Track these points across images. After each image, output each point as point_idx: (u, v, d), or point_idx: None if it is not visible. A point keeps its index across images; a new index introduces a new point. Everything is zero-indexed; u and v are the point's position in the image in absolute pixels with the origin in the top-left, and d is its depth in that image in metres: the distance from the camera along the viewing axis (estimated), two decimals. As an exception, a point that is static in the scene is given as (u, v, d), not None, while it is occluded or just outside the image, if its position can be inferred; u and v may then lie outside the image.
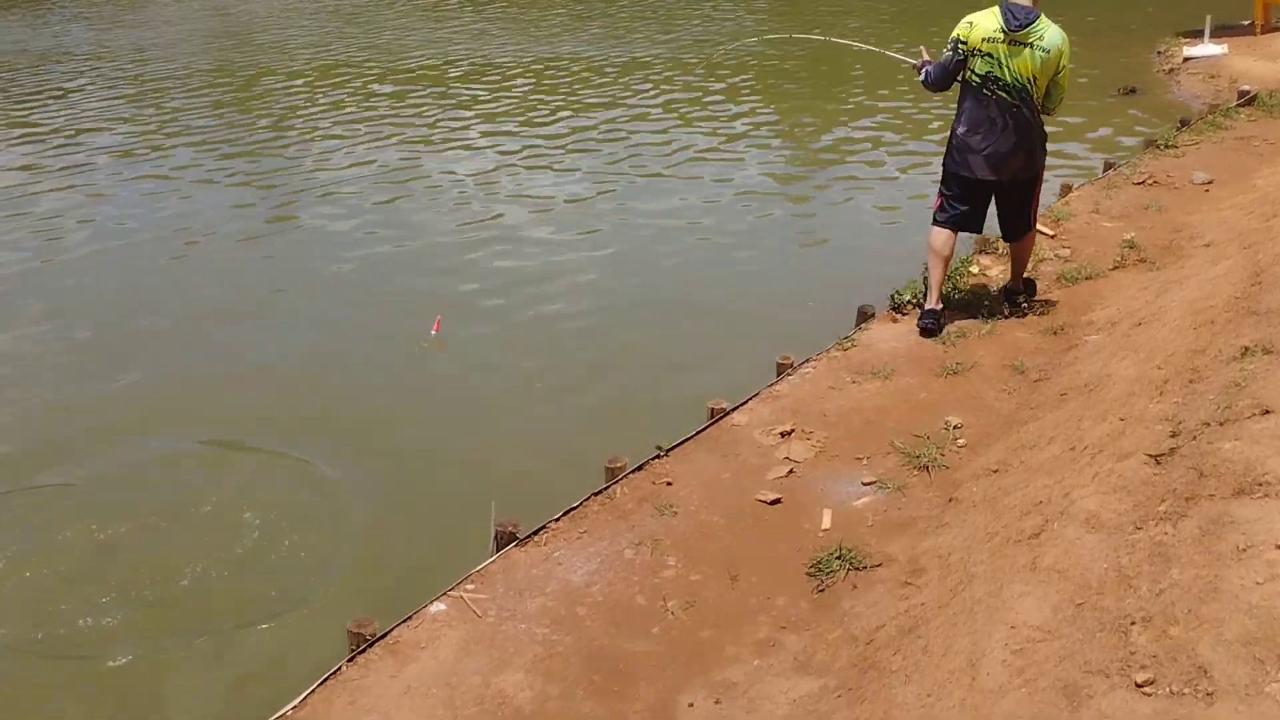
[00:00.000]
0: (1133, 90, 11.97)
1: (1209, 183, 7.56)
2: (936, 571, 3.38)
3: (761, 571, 3.73)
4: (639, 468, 4.36)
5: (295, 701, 3.16)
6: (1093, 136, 10.29)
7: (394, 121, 12.15)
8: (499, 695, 3.18)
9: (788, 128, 11.57)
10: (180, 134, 11.87)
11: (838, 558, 3.71)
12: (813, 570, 3.69)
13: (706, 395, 4.90)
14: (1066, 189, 7.60)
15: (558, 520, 4.01)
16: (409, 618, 3.47)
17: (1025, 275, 5.95)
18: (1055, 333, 5.47)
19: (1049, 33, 5.24)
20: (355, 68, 15.22)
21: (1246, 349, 3.58)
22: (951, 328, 5.62)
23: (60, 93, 14.27)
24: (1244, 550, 2.43)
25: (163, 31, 19.53)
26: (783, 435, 4.63)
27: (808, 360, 5.31)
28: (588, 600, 3.60)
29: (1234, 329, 3.93)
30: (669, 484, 4.27)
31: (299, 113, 12.78)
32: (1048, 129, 5.59)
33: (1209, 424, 3.08)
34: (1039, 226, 6.73)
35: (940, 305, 5.65)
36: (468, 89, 13.71)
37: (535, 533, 3.92)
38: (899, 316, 5.81)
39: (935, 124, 11.01)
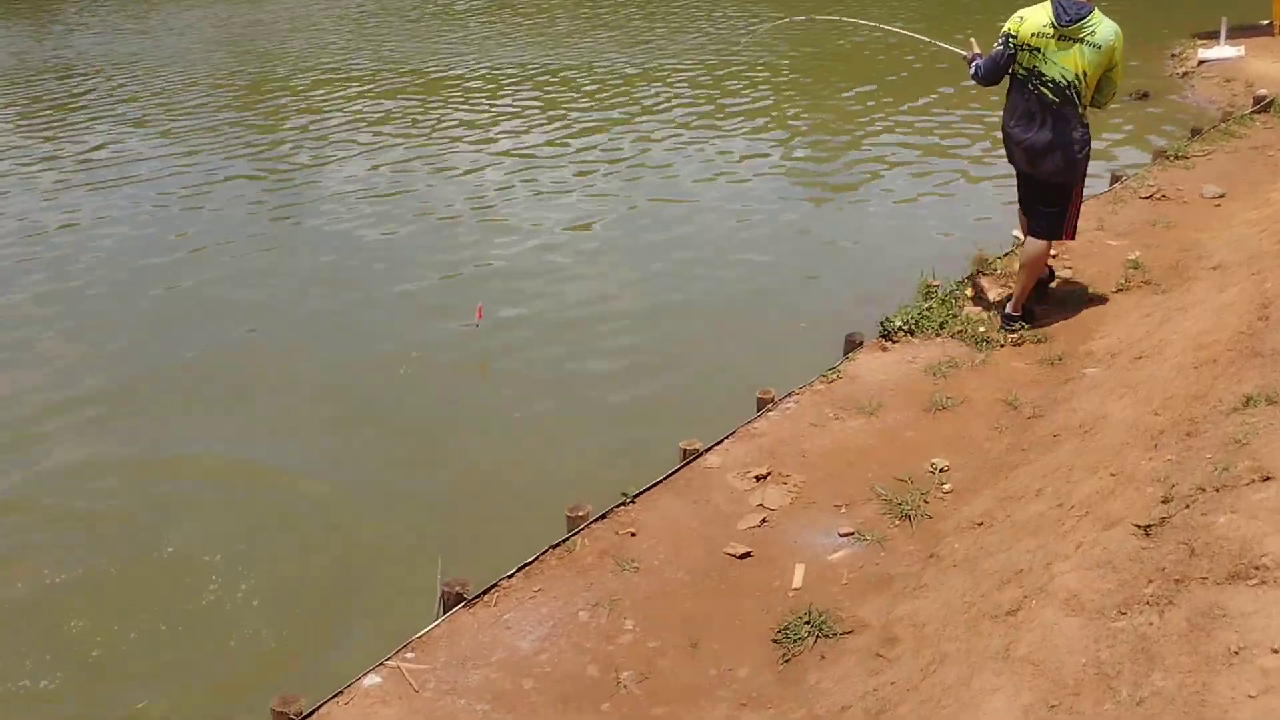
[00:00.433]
0: (1145, 95, 11.62)
1: (1220, 196, 7.24)
2: (910, 644, 3.11)
3: (725, 637, 3.47)
4: (602, 516, 4.11)
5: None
6: (1100, 146, 9.90)
7: (405, 127, 11.98)
8: (430, 784, 2.94)
9: (808, 128, 11.33)
10: (196, 140, 11.79)
11: (807, 623, 3.45)
12: (780, 636, 3.43)
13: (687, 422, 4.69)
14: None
15: (511, 576, 3.76)
16: (339, 693, 3.23)
17: (1026, 305, 5.64)
18: (1053, 363, 5.19)
19: (1101, 28, 5.15)
20: (366, 75, 15.03)
21: (1249, 398, 3.29)
22: (943, 357, 5.34)
23: (71, 100, 14.16)
24: (1236, 653, 2.16)
25: (164, 41, 19.40)
26: (758, 479, 4.36)
27: (789, 394, 5.05)
28: (535, 671, 3.35)
29: (1237, 372, 3.64)
30: (633, 535, 4.01)
31: (310, 120, 12.60)
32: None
33: (1204, 489, 2.80)
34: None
35: (1025, 310, 5.61)
36: (480, 94, 13.48)
37: (486, 591, 3.68)
38: (889, 345, 5.53)
39: (955, 132, 10.74)
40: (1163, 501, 2.87)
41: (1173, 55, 13.33)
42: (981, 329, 5.62)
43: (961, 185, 9.20)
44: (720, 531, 4.03)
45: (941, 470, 4.35)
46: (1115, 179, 7.78)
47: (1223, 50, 12.58)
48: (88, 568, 4.61)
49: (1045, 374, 5.10)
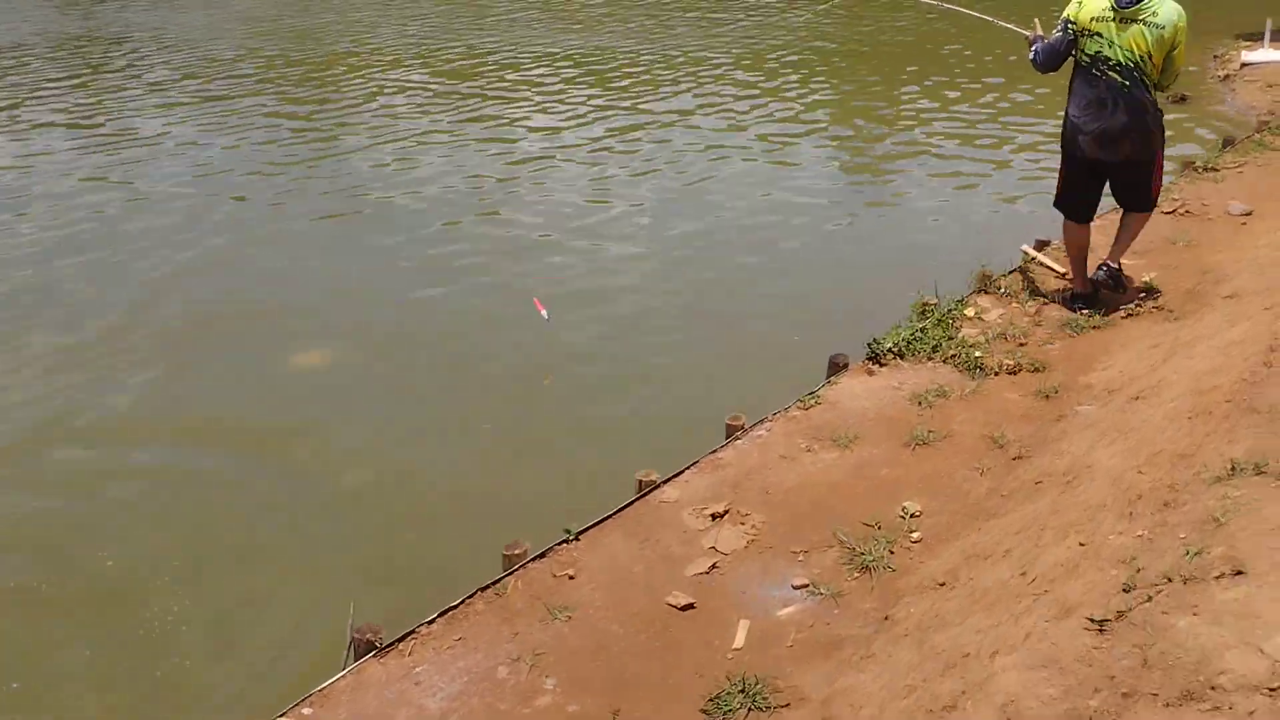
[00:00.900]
0: (1182, 99, 11.12)
1: (1247, 214, 6.83)
2: (843, 727, 2.82)
3: (651, 703, 3.19)
4: (541, 555, 3.84)
5: None
6: None
7: (445, 113, 11.74)
8: None
9: (840, 125, 10.96)
10: (241, 119, 11.67)
11: (741, 691, 3.16)
12: (710, 707, 3.14)
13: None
14: (1088, 217, 6.89)
15: (431, 622, 3.50)
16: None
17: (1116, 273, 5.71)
18: (1048, 396, 4.85)
19: (1163, 8, 5.15)
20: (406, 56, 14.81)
21: (1235, 465, 2.96)
22: (932, 384, 5.02)
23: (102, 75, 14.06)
24: (1175, 800, 1.85)
25: (196, 17, 19.28)
26: (714, 517, 4.07)
27: (761, 421, 4.74)
28: (440, 734, 3.09)
29: (1230, 429, 3.30)
30: (571, 577, 3.74)
31: (350, 103, 12.40)
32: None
33: (1171, 579, 2.48)
34: (1049, 262, 6.12)
35: (1088, 287, 5.69)
36: (506, 83, 13.21)
37: (401, 639, 3.42)
38: (875, 369, 5.21)
39: (993, 122, 10.34)
40: (1124, 590, 2.55)
41: (1215, 57, 12.81)
42: (977, 354, 5.28)
43: (986, 193, 8.82)
44: (666, 577, 3.75)
45: (913, 515, 4.04)
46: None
47: (1267, 53, 12.08)
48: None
49: (1038, 408, 4.76)
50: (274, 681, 3.74)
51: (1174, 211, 6.93)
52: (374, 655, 3.34)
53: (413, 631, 3.45)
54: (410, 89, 12.97)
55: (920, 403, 4.86)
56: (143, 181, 9.65)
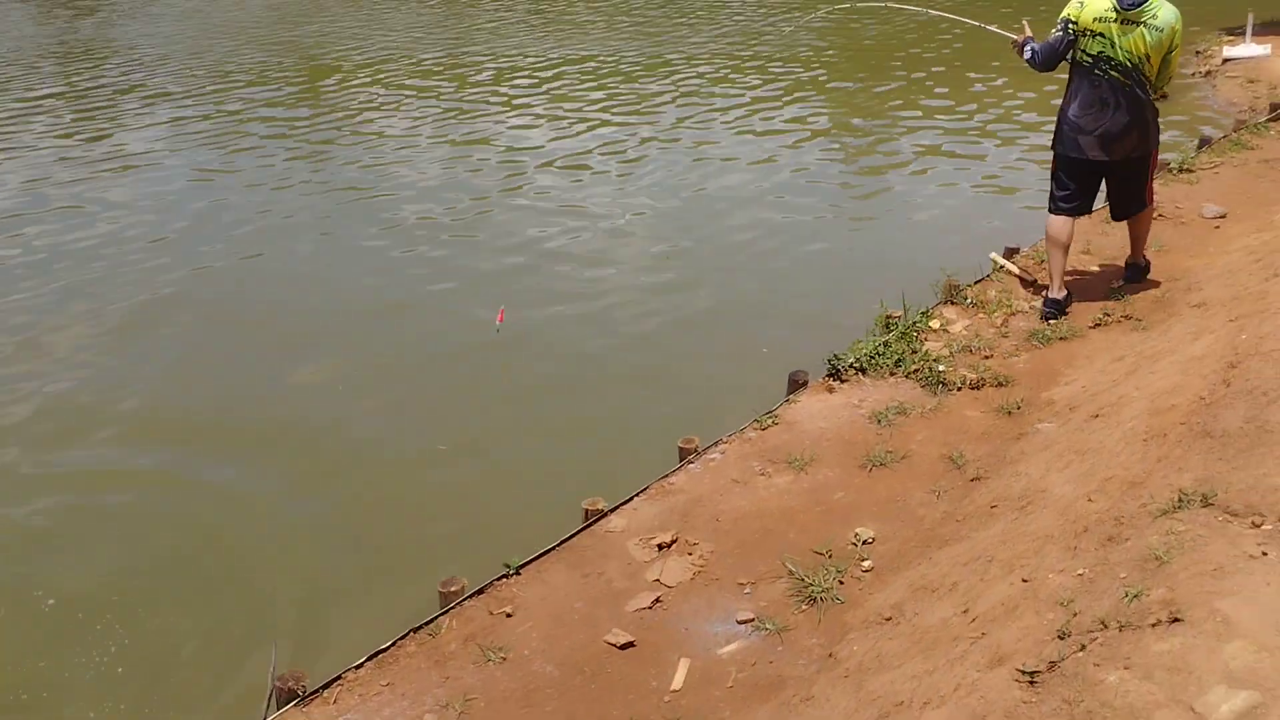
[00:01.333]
0: (1163, 96, 10.93)
1: (1221, 217, 6.70)
2: (775, 779, 2.69)
3: (581, 751, 3.07)
4: (479, 591, 3.71)
5: None
6: None
7: (431, 122, 11.60)
8: None
9: (828, 128, 10.81)
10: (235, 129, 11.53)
11: (674, 737, 3.03)
12: (641, 754, 3.02)
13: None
14: (1059, 223, 6.76)
15: (359, 666, 3.37)
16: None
17: (1137, 260, 5.87)
18: (1010, 412, 4.72)
19: (1162, 11, 5.18)
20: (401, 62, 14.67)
21: (1183, 496, 2.84)
22: (892, 402, 4.90)
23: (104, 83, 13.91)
24: None
25: (175, 28, 19.15)
26: (661, 547, 3.94)
27: (716, 443, 4.62)
28: (359, 790, 2.96)
29: (1182, 455, 3.18)
30: (509, 615, 3.61)
31: (337, 112, 12.25)
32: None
33: (1106, 625, 2.36)
34: (1017, 271, 6.01)
35: (1064, 293, 5.64)
36: (502, 87, 13.07)
37: (327, 685, 3.29)
38: (836, 386, 5.08)
39: (982, 122, 10.21)
40: (1059, 636, 2.42)
41: (1198, 52, 12.68)
42: (941, 368, 5.16)
43: (972, 196, 8.69)
44: (607, 613, 3.62)
45: (865, 542, 3.91)
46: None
47: (1249, 48, 11.96)
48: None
49: (999, 425, 4.63)
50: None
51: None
52: (296, 704, 3.21)
53: (339, 678, 3.32)
54: (397, 99, 12.79)
55: (880, 421, 4.73)
56: (120, 193, 9.50)
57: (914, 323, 5.58)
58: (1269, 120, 8.67)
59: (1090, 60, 5.31)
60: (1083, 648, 2.32)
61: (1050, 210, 5.70)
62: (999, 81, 12.00)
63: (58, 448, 5.46)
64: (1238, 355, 3.89)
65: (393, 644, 3.45)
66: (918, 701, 2.52)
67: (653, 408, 5.60)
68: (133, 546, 4.66)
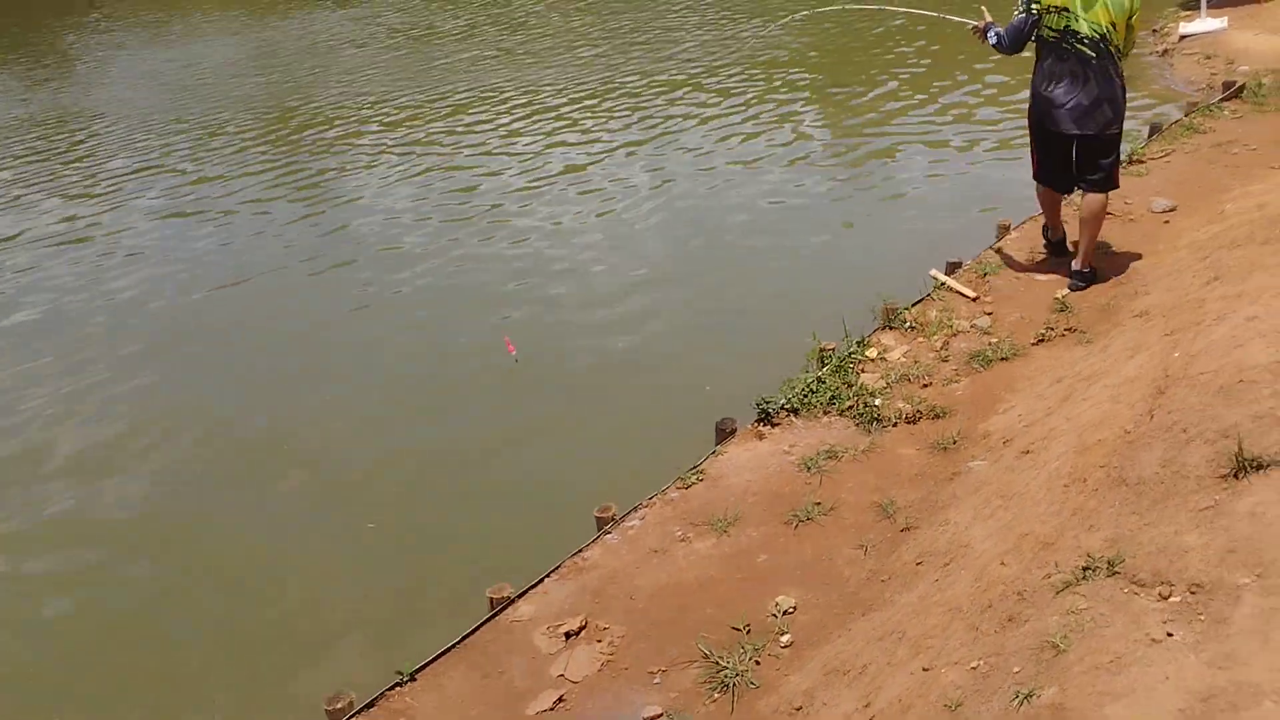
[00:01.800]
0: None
1: (1171, 210, 6.43)
2: None
3: None
4: (370, 704, 3.45)
5: None
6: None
7: (423, 154, 11.35)
8: None
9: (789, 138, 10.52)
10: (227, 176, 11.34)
11: None
12: None
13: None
14: (1004, 230, 6.50)
15: (233, 807, 3.11)
16: None
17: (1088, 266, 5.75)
18: (945, 448, 4.46)
19: None
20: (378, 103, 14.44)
21: (1090, 562, 2.57)
22: (824, 445, 4.63)
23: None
24: None
25: (132, 93, 18.98)
26: (569, 636, 3.68)
27: (635, 509, 4.35)
28: None
29: (1096, 507, 2.91)
30: (401, 730, 3.35)
31: (315, 163, 11.98)
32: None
33: (989, 737, 2.09)
34: (959, 287, 5.75)
35: (1062, 233, 6.02)
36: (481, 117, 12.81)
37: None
38: (767, 431, 4.82)
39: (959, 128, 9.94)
40: (939, 751, 2.16)
41: (1154, 30, 12.40)
42: (877, 402, 4.90)
43: (929, 213, 8.40)
44: (506, 719, 3.36)
45: (786, 613, 3.65)
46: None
47: (1204, 23, 11.66)
48: None
49: (933, 464, 4.37)
50: None
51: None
52: None
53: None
54: (375, 144, 12.52)
55: (810, 468, 4.47)
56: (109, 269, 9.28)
57: (849, 354, 5.31)
58: (1222, 100, 8.39)
59: (1056, 35, 5.37)
60: (961, 768, 2.05)
61: (1035, 178, 5.89)
62: (962, 79, 11.74)
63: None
64: (1167, 378, 3.62)
65: (270, 776, 3.19)
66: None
67: (579, 464, 5.34)
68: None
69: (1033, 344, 5.20)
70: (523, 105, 13.04)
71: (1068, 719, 2.03)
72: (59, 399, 6.65)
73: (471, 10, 21.54)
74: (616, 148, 10.81)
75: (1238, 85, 8.54)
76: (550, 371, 6.31)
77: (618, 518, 4.29)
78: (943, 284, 5.92)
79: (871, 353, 5.36)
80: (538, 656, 3.61)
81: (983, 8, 5.85)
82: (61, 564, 5.12)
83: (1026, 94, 5.80)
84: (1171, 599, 2.35)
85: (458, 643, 3.68)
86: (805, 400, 4.97)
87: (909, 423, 4.73)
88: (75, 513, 5.49)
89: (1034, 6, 5.41)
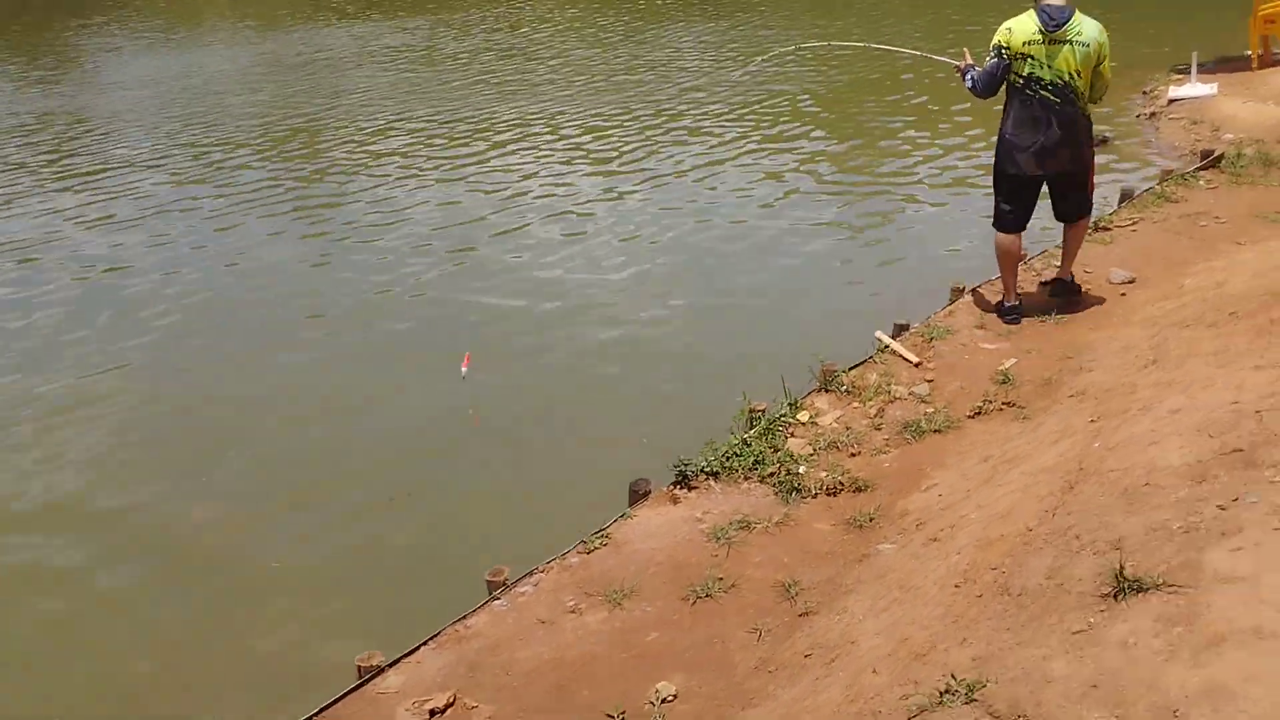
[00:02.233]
0: (1104, 140, 10.55)
1: (1129, 282, 6.24)
2: None
3: None
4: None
5: None
6: None
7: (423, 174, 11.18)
8: None
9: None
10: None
11: None
12: None
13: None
14: (957, 293, 6.32)
15: None
16: None
17: (1071, 278, 6.09)
18: (861, 525, 4.25)
19: (1085, 26, 5.47)
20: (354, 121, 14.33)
21: (950, 686, 2.36)
22: (738, 513, 4.43)
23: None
24: None
25: (120, 99, 18.90)
26: (433, 714, 3.46)
27: (530, 574, 4.14)
28: None
29: (976, 618, 2.71)
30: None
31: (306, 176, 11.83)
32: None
33: None
34: (903, 351, 5.56)
35: (1018, 300, 5.95)
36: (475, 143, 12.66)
37: None
38: (683, 495, 4.61)
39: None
40: None
41: (1144, 92, 12.28)
42: (801, 469, 4.70)
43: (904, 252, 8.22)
44: (348, 805, 3.14)
45: (665, 700, 3.43)
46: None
47: (1194, 88, 11.54)
48: None
49: (846, 542, 4.16)
50: None
51: (1050, 283, 6.35)
52: None
53: None
54: (374, 158, 12.40)
55: (718, 539, 4.26)
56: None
57: (779, 416, 5.11)
58: (1199, 169, 8.22)
59: (1022, 81, 5.57)
60: None
61: (996, 227, 5.97)
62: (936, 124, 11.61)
63: None
64: (1080, 472, 3.42)
65: None
66: None
67: (492, 519, 5.14)
68: None
69: (969, 416, 5.00)
70: (510, 134, 12.93)
71: None
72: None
73: (478, 34, 21.49)
74: (591, 185, 10.66)
75: (1216, 154, 8.38)
76: (482, 418, 6.11)
77: (510, 582, 4.08)
78: (886, 347, 5.72)
79: (803, 416, 5.16)
80: (397, 735, 3.39)
81: (964, 49, 6.03)
82: None
83: None
84: (1023, 738, 2.14)
85: (316, 714, 3.46)
86: (727, 464, 4.76)
87: (829, 494, 4.52)
88: None
89: (1004, 52, 5.56)
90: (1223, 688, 2.06)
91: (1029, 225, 6.00)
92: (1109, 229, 7.08)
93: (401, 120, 14.10)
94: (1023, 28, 5.51)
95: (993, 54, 5.62)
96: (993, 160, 5.98)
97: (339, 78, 17.93)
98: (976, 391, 5.20)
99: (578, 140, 12.41)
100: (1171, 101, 11.51)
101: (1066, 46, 5.45)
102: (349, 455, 5.83)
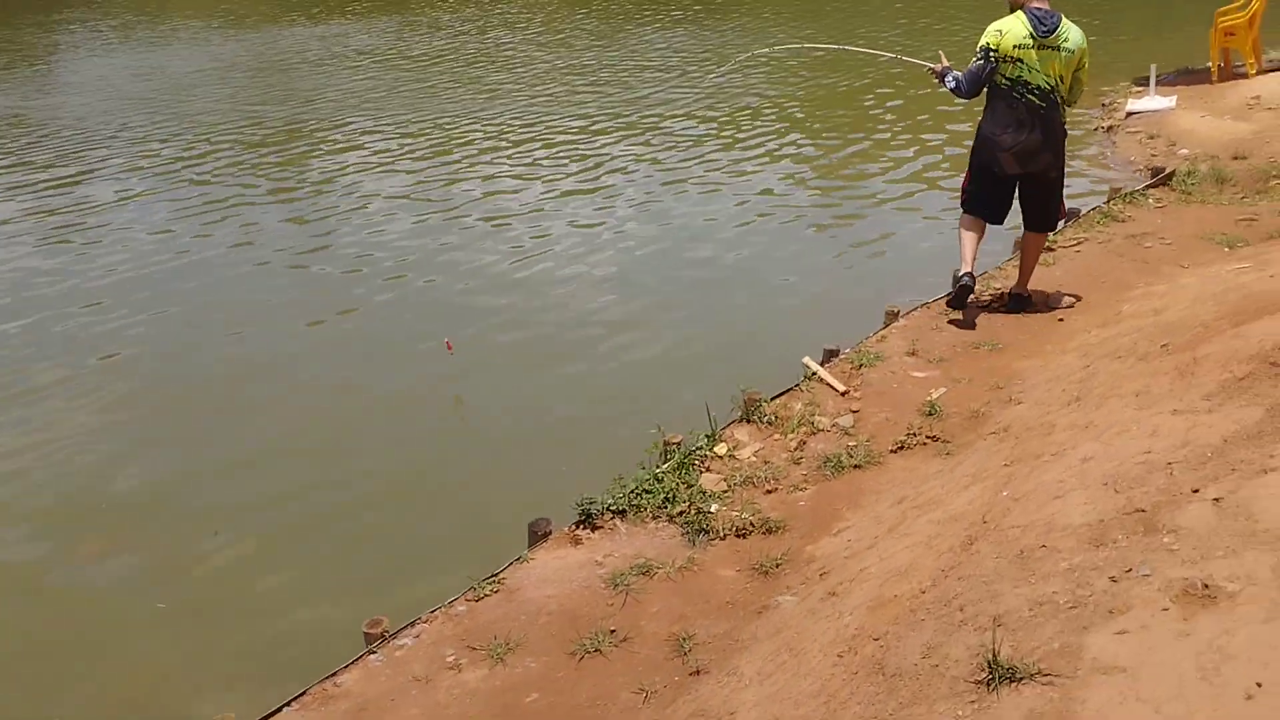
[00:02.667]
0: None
1: (1069, 306, 6.04)
2: None
3: None
4: None
5: None
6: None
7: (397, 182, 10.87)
8: None
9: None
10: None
11: None
12: None
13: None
14: (891, 316, 6.09)
15: None
16: None
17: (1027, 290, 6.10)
18: (766, 572, 4.02)
19: (1072, 33, 5.58)
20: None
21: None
22: (641, 556, 4.19)
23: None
24: None
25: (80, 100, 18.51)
26: (286, 785, 3.20)
27: (412, 624, 3.88)
28: None
29: (847, 700, 2.49)
30: None
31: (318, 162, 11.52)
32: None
33: None
34: (830, 380, 5.34)
35: (971, 278, 5.90)
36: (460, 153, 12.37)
37: None
38: (586, 535, 4.37)
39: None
40: None
41: (1103, 104, 12.14)
42: (713, 508, 4.46)
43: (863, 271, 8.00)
44: None
45: (536, 770, 3.18)
46: (956, 280, 6.52)
47: (1153, 100, 11.42)
48: None
49: (749, 591, 3.93)
50: None
51: (990, 305, 6.14)
52: None
53: None
54: (340, 163, 12.09)
55: (617, 585, 4.02)
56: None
57: (696, 448, 4.87)
58: (1148, 187, 8.04)
59: (1008, 83, 5.62)
60: None
61: (963, 206, 6.05)
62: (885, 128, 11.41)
63: None
64: (984, 525, 3.20)
65: None
66: None
67: (389, 560, 4.87)
68: None
69: (891, 451, 4.78)
70: (467, 139, 12.67)
71: None
72: None
73: (444, 38, 21.19)
74: (541, 194, 10.41)
75: (1167, 172, 8.21)
76: (394, 445, 5.85)
77: (389, 634, 3.82)
78: (813, 374, 5.50)
79: (721, 449, 4.93)
80: (241, 812, 3.13)
81: (940, 52, 6.06)
82: None
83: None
84: None
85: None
86: (636, 501, 4.52)
87: (739, 536, 4.29)
88: None
89: (992, 54, 5.59)
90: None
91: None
92: (1052, 249, 6.88)
93: (367, 124, 13.81)
94: (1013, 31, 5.53)
95: (980, 55, 5.62)
96: (969, 154, 6.02)
97: (302, 80, 17.62)
98: (902, 423, 4.98)
99: (533, 152, 12.15)
100: (1130, 114, 11.38)
101: (1055, 52, 5.53)
102: (222, 494, 5.51)
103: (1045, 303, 6.10)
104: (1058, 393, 4.56)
